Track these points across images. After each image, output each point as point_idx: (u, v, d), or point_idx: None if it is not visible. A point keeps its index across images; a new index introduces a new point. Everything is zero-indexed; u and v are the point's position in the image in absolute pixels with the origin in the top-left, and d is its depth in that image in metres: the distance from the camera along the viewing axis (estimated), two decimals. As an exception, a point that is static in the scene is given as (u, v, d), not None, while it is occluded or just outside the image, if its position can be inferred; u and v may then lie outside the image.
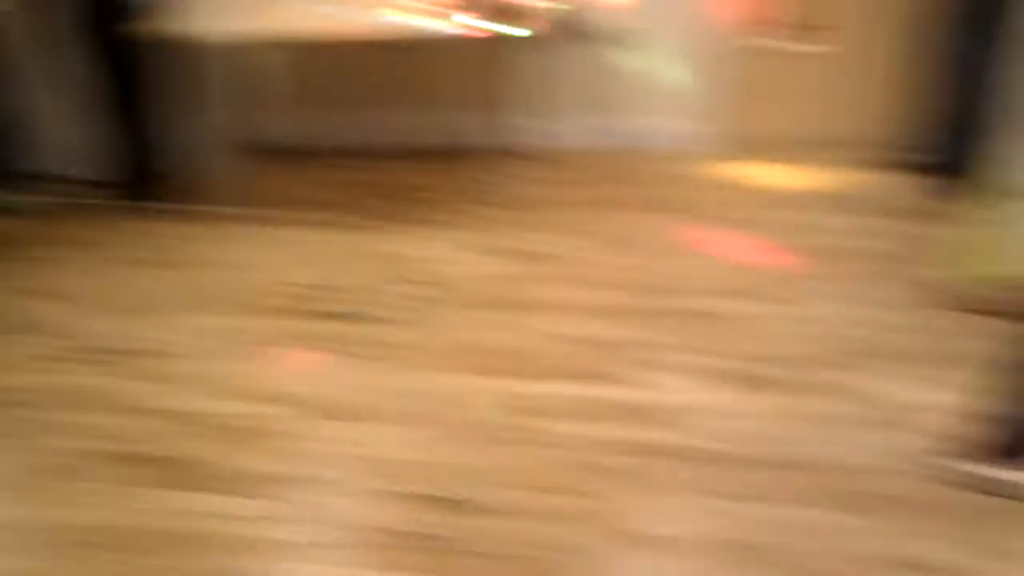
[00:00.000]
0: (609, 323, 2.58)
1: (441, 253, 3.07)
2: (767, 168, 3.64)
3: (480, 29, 3.20)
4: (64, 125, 3.61)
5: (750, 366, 2.35)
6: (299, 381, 2.40)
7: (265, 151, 3.92)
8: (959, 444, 1.94)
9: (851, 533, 1.83)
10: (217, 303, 2.81)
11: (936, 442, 2.01)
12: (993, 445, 1.88)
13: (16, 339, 2.68)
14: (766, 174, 3.58)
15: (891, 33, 3.46)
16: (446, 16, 3.22)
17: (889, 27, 3.47)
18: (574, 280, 2.84)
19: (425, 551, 1.83)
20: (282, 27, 3.25)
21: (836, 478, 1.96)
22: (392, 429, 2.20)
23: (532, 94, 3.75)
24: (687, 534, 1.84)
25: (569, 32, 3.66)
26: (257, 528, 1.91)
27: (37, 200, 3.61)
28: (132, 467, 2.10)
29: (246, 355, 2.52)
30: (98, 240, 3.29)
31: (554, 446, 2.11)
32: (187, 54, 3.37)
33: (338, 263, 3.04)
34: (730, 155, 3.74)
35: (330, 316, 2.70)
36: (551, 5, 3.43)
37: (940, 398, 2.16)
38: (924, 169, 3.37)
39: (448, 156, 3.87)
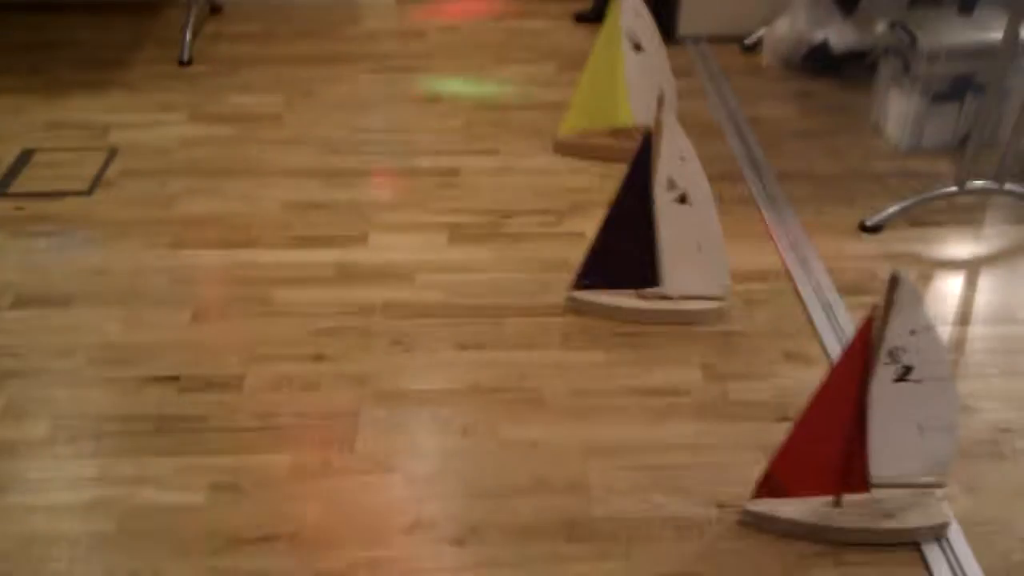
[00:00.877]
0: (331, 185, 2.50)
1: (139, 118, 2.80)
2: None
3: None
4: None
5: (478, 220, 2.38)
6: (10, 270, 2.16)
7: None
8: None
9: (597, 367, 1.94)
10: None
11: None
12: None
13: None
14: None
15: None
16: None
17: None
18: (290, 142, 2.72)
19: (179, 432, 1.74)
20: None
21: (566, 320, 2.05)
22: (112, 311, 2.05)
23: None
24: (445, 386, 1.86)
25: None
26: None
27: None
28: None
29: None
30: None
31: (294, 314, 2.03)
32: None
33: (25, 133, 2.69)
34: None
35: (40, 196, 2.43)
36: None
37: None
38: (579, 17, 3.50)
39: (136, 8, 3.50)
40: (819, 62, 3.08)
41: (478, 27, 3.50)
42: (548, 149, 2.68)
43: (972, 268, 2.27)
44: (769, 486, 1.55)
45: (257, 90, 2.99)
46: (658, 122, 1.86)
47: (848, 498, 1.56)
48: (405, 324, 2.02)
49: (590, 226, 2.11)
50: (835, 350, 1.95)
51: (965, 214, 2.44)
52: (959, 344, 2.02)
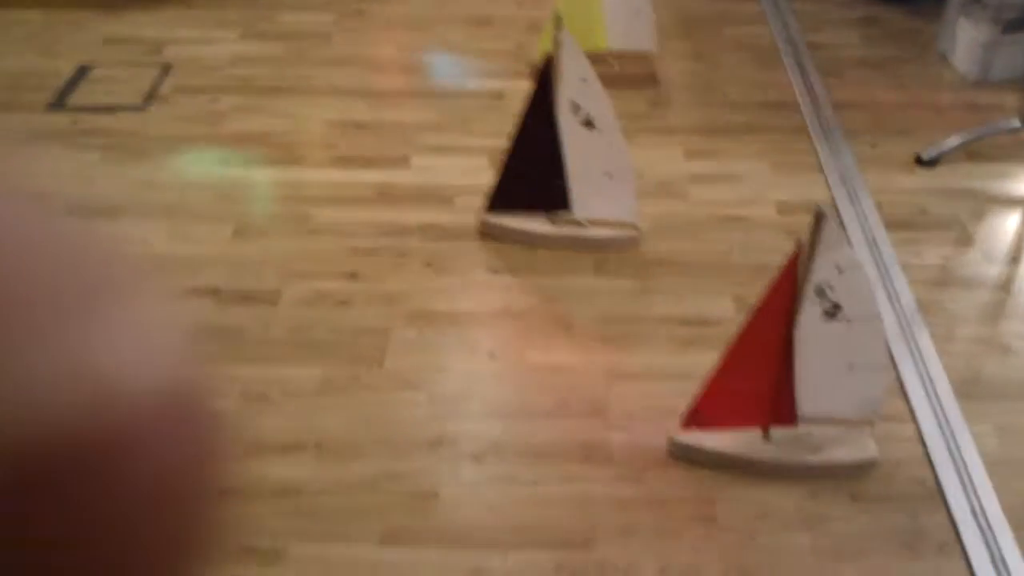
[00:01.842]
0: (376, 106, 2.50)
1: (193, 35, 2.83)
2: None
3: None
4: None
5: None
6: (63, 181, 2.21)
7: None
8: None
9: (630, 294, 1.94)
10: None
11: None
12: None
13: None
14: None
15: None
16: None
17: None
18: (338, 62, 2.72)
19: (214, 342, 1.79)
20: None
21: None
22: (158, 224, 2.10)
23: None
24: (476, 308, 1.89)
25: None
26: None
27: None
28: None
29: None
30: None
31: (332, 233, 2.06)
32: None
33: (82, 48, 2.73)
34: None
35: (95, 110, 2.47)
36: None
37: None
38: None
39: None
40: (887, -13, 2.96)
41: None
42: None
43: (1029, 206, 2.19)
44: (696, 419, 1.53)
45: (309, 8, 2.98)
46: (556, 41, 1.79)
47: (777, 432, 1.54)
48: (442, 246, 2.03)
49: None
50: (876, 285, 1.90)
51: (1028, 150, 2.34)
52: (1006, 284, 1.96)
